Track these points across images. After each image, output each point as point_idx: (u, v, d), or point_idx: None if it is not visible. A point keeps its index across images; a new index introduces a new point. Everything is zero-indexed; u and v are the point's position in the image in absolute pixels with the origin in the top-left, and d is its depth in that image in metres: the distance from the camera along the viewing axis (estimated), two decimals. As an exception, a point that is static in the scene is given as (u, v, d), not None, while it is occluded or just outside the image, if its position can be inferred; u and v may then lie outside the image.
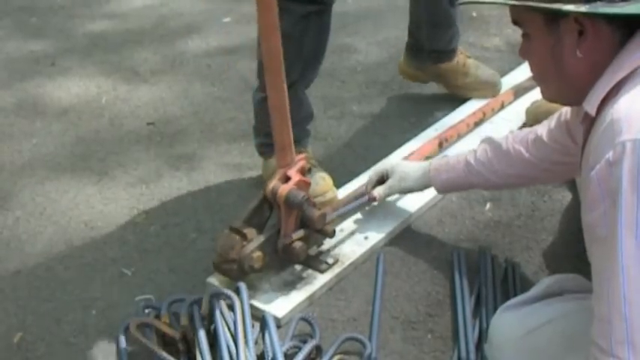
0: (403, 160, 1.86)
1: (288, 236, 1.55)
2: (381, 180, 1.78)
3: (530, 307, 1.30)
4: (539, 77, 1.22)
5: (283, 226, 1.56)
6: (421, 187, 1.74)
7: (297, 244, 1.55)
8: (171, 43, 2.91)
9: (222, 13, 3.17)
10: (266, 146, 1.92)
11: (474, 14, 2.96)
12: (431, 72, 2.29)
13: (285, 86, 1.52)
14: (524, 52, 1.21)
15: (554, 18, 1.10)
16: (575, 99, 1.17)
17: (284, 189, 1.54)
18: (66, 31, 3.06)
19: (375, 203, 1.79)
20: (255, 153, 2.03)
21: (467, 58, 2.30)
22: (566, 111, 1.45)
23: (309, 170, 1.62)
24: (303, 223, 1.58)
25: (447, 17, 2.21)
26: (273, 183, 1.56)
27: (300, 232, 1.57)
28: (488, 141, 1.62)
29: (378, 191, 1.76)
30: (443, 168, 1.68)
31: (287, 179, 1.57)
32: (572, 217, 1.81)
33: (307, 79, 1.90)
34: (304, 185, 1.57)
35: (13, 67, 2.76)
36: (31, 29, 3.09)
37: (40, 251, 1.79)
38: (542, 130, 1.53)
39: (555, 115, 1.50)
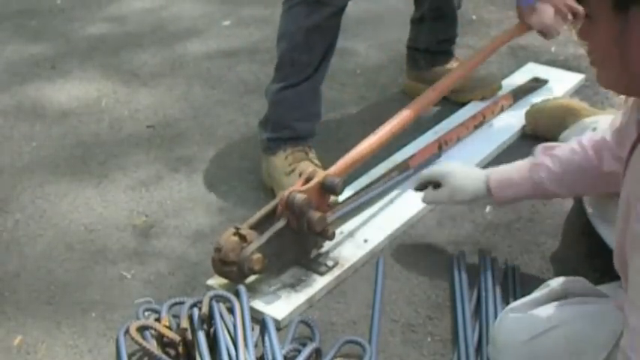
0: (457, 167, 1.68)
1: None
2: (429, 183, 1.70)
3: (535, 310, 1.30)
4: (597, 63, 1.13)
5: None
6: (474, 201, 1.66)
7: (316, 215, 1.58)
8: (171, 46, 2.91)
9: (222, 16, 3.17)
10: (273, 141, 1.93)
11: (474, 17, 2.96)
12: (429, 79, 2.30)
13: None
14: (585, 34, 1.11)
15: (625, 3, 1.02)
16: (635, 91, 1.12)
17: (322, 173, 1.65)
18: (66, 34, 3.06)
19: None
20: (255, 156, 2.03)
21: None
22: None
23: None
24: (303, 225, 1.59)
25: (451, 14, 2.24)
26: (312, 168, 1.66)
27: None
28: (554, 155, 1.55)
29: (427, 198, 1.70)
30: (506, 184, 1.59)
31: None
32: (573, 221, 1.82)
33: (323, 75, 1.93)
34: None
35: (13, 70, 2.76)
36: (30, 32, 3.09)
37: (39, 254, 1.79)
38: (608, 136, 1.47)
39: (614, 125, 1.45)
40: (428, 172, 1.72)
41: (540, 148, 1.60)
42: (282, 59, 1.91)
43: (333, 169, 1.70)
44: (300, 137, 1.92)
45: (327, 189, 1.63)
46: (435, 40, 2.30)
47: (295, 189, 1.59)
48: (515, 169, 1.60)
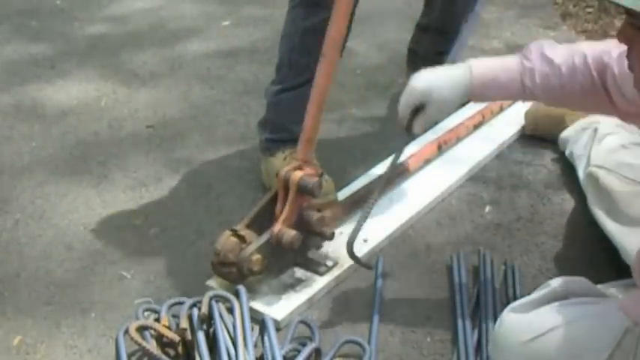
0: (435, 79, 1.49)
1: (287, 223, 1.56)
2: (415, 111, 1.51)
3: (536, 311, 1.30)
4: None
5: (285, 211, 1.55)
6: (461, 104, 1.56)
7: (290, 233, 1.55)
8: (171, 46, 2.91)
9: (222, 16, 3.17)
10: (271, 142, 1.93)
11: (474, 17, 2.96)
12: None
13: (331, 78, 1.57)
14: (630, 45, 1.07)
15: None
16: None
17: (299, 173, 1.55)
18: (65, 34, 3.06)
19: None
20: (254, 156, 2.03)
21: None
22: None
23: (322, 174, 1.63)
24: (302, 224, 1.59)
25: (455, 30, 2.24)
26: (287, 168, 1.57)
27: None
28: (554, 65, 1.41)
29: (419, 127, 1.52)
30: (491, 85, 1.45)
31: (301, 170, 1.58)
32: (572, 221, 1.82)
33: None
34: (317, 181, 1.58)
35: (13, 69, 2.76)
36: (30, 32, 3.09)
37: (39, 254, 1.79)
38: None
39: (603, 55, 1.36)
40: (410, 98, 1.49)
41: (536, 48, 1.44)
42: (281, 60, 1.92)
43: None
44: (298, 139, 1.92)
45: (303, 191, 1.57)
46: (433, 51, 2.29)
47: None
48: (502, 68, 1.45)
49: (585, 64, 1.39)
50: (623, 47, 1.18)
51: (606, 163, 1.72)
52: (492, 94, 1.48)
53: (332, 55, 1.56)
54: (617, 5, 0.99)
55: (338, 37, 1.55)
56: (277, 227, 1.55)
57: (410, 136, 1.55)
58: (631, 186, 1.63)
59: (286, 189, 1.56)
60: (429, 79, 1.47)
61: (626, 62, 1.13)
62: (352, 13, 1.80)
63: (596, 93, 1.40)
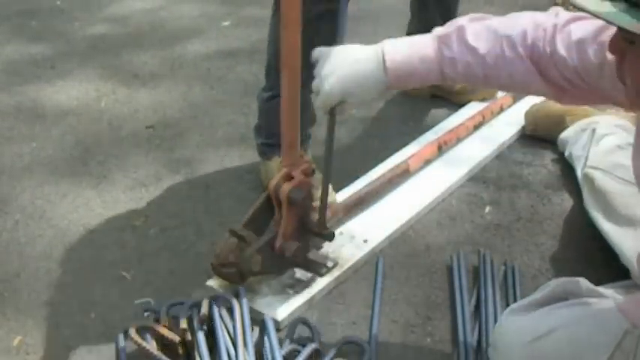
0: (346, 83, 1.36)
1: (286, 236, 1.55)
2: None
3: (535, 312, 1.30)
4: (637, 91, 1.04)
5: (283, 225, 1.56)
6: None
7: (293, 245, 1.55)
8: (171, 46, 2.91)
9: (222, 16, 3.17)
10: (267, 146, 1.93)
11: (474, 18, 2.96)
12: None
13: (299, 84, 1.52)
14: (621, 58, 1.04)
15: None
16: None
17: (287, 186, 1.54)
18: (65, 34, 3.07)
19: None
20: (254, 156, 2.03)
21: None
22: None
23: (313, 172, 1.62)
24: (303, 224, 1.58)
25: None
26: (276, 180, 1.56)
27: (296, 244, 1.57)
28: (478, 54, 1.28)
29: (341, 114, 1.44)
30: (411, 79, 1.34)
31: (290, 179, 1.57)
32: (572, 221, 1.82)
33: (310, 85, 1.90)
34: (307, 186, 1.57)
35: (13, 70, 2.76)
36: (30, 32, 3.09)
37: (39, 254, 1.79)
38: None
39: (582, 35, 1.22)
40: (327, 102, 1.39)
41: (457, 34, 1.30)
42: (269, 66, 1.90)
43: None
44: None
45: (294, 205, 1.55)
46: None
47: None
48: (420, 58, 1.31)
49: (516, 52, 1.26)
50: (574, 18, 1.17)
51: (602, 164, 1.72)
52: (411, 84, 1.38)
53: (292, 62, 1.49)
54: (611, 24, 0.97)
55: (293, 42, 1.50)
56: (279, 242, 1.56)
57: (334, 118, 1.49)
58: (626, 187, 1.62)
59: (279, 199, 1.55)
60: (344, 82, 1.35)
61: (614, 64, 1.10)
62: (337, 15, 1.78)
63: (530, 80, 1.28)
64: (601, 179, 1.69)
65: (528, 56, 1.25)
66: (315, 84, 1.39)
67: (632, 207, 1.59)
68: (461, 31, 1.29)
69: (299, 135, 1.58)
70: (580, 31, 1.21)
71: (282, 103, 1.55)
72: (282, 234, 1.55)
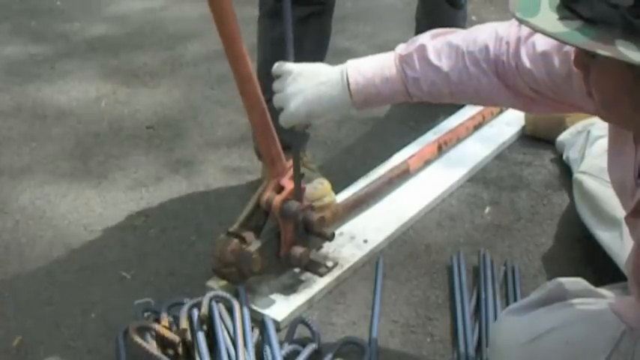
0: (311, 106, 1.36)
1: (288, 243, 1.56)
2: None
3: (533, 312, 1.29)
4: (602, 105, 1.02)
5: (283, 234, 1.56)
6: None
7: (298, 251, 1.55)
8: (171, 46, 2.91)
9: (222, 16, 3.17)
10: None
11: (474, 18, 2.96)
12: None
13: (263, 98, 1.50)
14: (585, 72, 1.01)
15: None
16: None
17: (278, 200, 1.53)
18: (65, 34, 3.06)
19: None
20: (254, 156, 2.03)
21: None
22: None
23: (302, 175, 1.62)
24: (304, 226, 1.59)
25: (447, 18, 2.22)
26: (267, 194, 1.55)
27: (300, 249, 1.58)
28: (442, 73, 1.26)
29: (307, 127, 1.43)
30: (376, 100, 1.34)
31: (281, 189, 1.57)
32: (572, 222, 1.82)
33: None
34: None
35: (13, 70, 2.76)
36: (30, 33, 3.09)
37: (39, 255, 1.79)
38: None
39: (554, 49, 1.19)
40: (292, 122, 1.40)
41: (418, 54, 1.28)
42: (259, 71, 1.88)
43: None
44: (289, 147, 1.91)
45: (287, 217, 1.55)
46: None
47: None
48: (383, 79, 1.31)
49: (480, 68, 1.25)
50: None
51: (591, 168, 1.72)
52: (379, 104, 1.38)
53: (245, 75, 1.47)
54: (571, 45, 0.93)
55: (240, 55, 1.47)
56: (283, 251, 1.56)
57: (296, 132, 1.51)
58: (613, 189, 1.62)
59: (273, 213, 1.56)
60: (310, 104, 1.35)
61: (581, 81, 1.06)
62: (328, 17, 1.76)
63: (496, 93, 1.27)
64: (589, 183, 1.69)
65: (493, 71, 1.24)
66: (278, 99, 1.39)
67: (619, 210, 1.58)
68: (422, 49, 1.28)
69: (278, 146, 1.58)
70: (544, 43, 1.19)
71: (250, 123, 1.54)
72: (284, 243, 1.56)
